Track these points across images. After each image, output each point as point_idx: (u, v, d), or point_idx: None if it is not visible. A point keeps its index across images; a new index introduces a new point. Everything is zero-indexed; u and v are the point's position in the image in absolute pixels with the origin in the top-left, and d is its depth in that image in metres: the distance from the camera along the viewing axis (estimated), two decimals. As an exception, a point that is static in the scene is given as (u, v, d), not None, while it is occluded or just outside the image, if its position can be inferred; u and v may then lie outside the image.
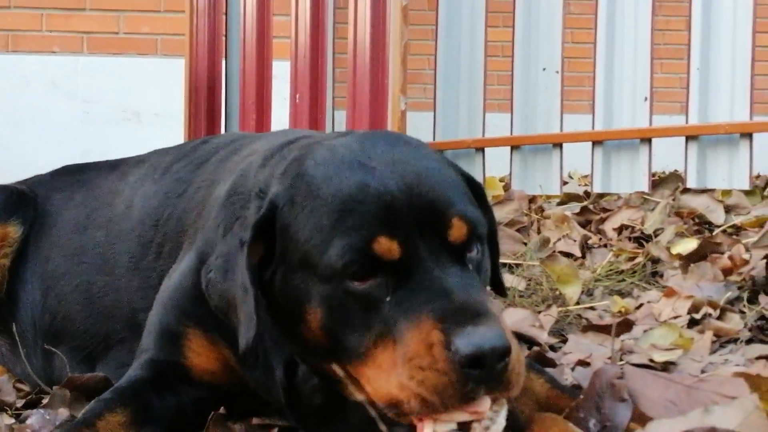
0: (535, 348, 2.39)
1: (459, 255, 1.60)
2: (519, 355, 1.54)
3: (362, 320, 1.56)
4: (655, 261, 3.27)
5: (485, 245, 1.70)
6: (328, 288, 1.59)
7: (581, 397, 1.72)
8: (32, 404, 2.24)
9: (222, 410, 1.87)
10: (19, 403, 2.26)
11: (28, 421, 1.97)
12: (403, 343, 1.50)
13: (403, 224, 1.57)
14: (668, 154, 4.40)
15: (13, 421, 2.02)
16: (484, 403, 1.49)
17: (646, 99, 4.02)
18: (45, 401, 2.12)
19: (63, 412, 2.00)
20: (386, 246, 1.55)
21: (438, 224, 1.59)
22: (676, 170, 4.43)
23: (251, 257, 1.66)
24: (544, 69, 4.29)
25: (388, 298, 1.54)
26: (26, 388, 2.41)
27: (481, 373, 1.45)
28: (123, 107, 7.93)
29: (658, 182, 4.23)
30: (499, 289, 1.91)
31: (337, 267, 1.56)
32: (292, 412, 1.86)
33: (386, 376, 1.52)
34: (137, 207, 2.40)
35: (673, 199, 4.02)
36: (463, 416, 1.49)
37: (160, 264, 2.22)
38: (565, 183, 4.65)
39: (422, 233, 1.57)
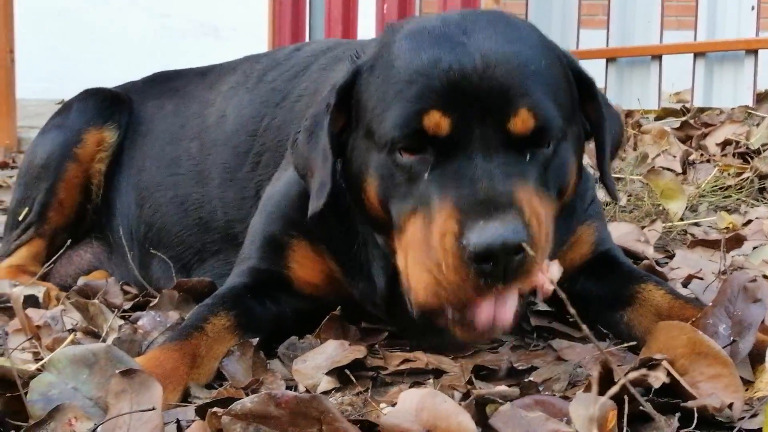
0: (645, 262, 2.32)
1: (519, 147, 1.51)
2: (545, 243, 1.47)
3: (404, 193, 1.53)
4: (763, 177, 3.15)
5: (568, 144, 1.59)
6: (381, 157, 1.58)
7: (710, 304, 1.65)
8: (139, 307, 2.26)
9: (338, 311, 1.85)
10: (126, 305, 2.28)
11: (140, 323, 1.97)
12: (430, 228, 1.48)
13: (463, 103, 1.49)
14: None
15: (122, 322, 2.03)
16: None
17: (753, 8, 3.80)
18: (152, 304, 2.13)
19: (173, 315, 2.00)
20: (435, 120, 1.50)
21: (501, 111, 1.49)
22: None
23: (333, 124, 1.65)
24: (644, -24, 4.09)
25: (426, 175, 1.50)
26: (133, 290, 2.43)
27: (493, 269, 1.40)
28: (201, 21, 7.91)
29: (762, 96, 4.04)
30: (609, 191, 1.77)
31: (389, 137, 1.54)
32: (394, 321, 1.84)
33: (418, 255, 1.50)
34: (231, 117, 2.35)
35: (780, 114, 3.84)
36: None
37: (258, 174, 2.18)
38: (658, 98, 4.48)
39: (482, 117, 1.49)
